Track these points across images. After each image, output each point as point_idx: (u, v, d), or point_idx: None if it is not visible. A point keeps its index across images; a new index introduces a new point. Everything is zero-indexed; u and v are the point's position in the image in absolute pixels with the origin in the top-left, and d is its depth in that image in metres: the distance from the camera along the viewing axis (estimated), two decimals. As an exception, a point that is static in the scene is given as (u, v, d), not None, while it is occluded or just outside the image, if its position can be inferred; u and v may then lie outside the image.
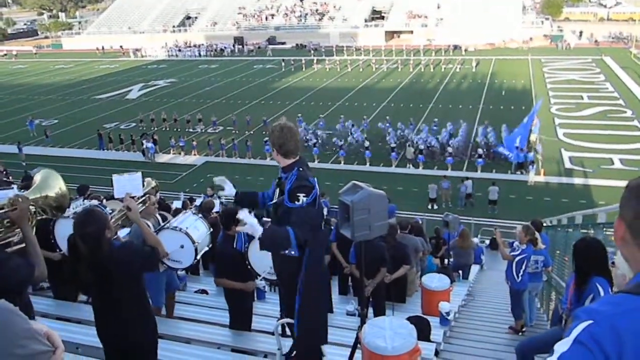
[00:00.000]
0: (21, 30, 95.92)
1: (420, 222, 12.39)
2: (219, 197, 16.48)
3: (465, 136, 25.87)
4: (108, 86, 45.09)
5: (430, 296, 6.90)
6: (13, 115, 36.09)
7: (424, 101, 34.58)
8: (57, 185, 3.23)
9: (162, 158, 26.86)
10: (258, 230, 3.43)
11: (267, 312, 6.21)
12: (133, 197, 3.96)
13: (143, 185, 4.46)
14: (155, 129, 30.47)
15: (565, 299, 4.23)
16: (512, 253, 6.96)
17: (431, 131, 26.49)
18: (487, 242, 15.93)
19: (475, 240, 13.88)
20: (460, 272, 11.01)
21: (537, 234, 7.17)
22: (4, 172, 19.17)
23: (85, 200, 6.35)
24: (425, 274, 8.31)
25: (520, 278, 6.90)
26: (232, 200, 4.17)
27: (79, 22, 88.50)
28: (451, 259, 11.30)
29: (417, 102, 34.25)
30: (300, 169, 3.65)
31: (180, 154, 27.14)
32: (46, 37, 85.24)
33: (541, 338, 4.99)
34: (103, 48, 65.60)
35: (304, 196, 3.54)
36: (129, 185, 4.26)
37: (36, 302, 6.16)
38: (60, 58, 63.77)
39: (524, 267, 6.89)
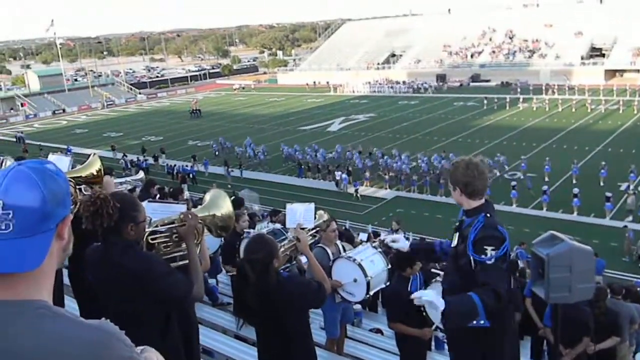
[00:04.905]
0: (245, 67, 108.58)
1: (638, 287, 10.50)
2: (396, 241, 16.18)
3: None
4: (313, 118, 48.13)
5: (649, 381, 5.63)
6: (229, 142, 40.27)
7: (651, 146, 30.25)
8: (225, 206, 3.21)
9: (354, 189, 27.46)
10: (440, 305, 2.86)
11: (444, 365, 5.63)
12: (303, 229, 3.81)
13: (315, 218, 4.32)
14: (349, 160, 31.38)
15: None
16: None
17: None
18: None
19: None
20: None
21: None
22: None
23: (270, 224, 6.56)
24: (641, 350, 6.92)
25: None
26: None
27: (294, 60, 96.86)
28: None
29: (642, 148, 30.13)
30: (488, 215, 3.08)
31: (371, 186, 27.52)
32: (264, 73, 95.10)
33: None
34: (314, 83, 70.51)
35: (492, 249, 2.94)
36: (301, 216, 4.16)
37: (218, 317, 6.44)
38: (275, 92, 70.19)
39: None
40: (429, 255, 3.69)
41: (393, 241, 3.86)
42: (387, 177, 27.54)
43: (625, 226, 19.13)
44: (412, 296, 2.96)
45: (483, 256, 2.95)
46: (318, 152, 32.26)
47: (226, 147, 37.34)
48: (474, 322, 2.94)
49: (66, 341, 1.12)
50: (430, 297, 2.87)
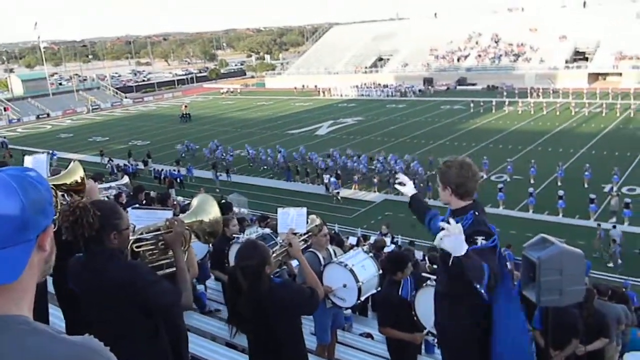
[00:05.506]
0: (232, 70, 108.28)
1: (625, 288, 10.60)
2: (389, 233, 16.17)
3: None
4: (301, 122, 48.03)
5: (636, 381, 5.66)
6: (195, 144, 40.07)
7: (633, 149, 30.57)
8: (212, 211, 3.14)
9: (344, 193, 27.40)
10: (461, 248, 2.70)
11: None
12: (295, 234, 3.77)
13: (307, 222, 4.28)
14: (339, 164, 31.34)
15: None
16: None
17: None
18: None
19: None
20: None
21: None
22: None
23: (259, 229, 6.49)
24: (628, 350, 6.95)
25: None
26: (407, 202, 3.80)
27: (281, 64, 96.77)
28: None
29: (623, 151, 30.46)
30: (476, 213, 3.06)
31: (360, 190, 27.53)
32: (252, 77, 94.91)
33: None
34: (302, 87, 70.46)
35: (482, 239, 2.91)
36: (293, 220, 4.11)
37: (207, 324, 6.36)
38: (262, 96, 70.04)
39: None
40: (422, 216, 3.68)
41: (401, 183, 3.86)
42: (375, 180, 27.56)
43: (599, 224, 19.24)
44: (442, 224, 2.76)
45: (474, 245, 2.88)
46: (280, 154, 32.72)
47: (192, 149, 37.70)
48: (476, 285, 2.81)
49: (49, 359, 1.06)
50: (458, 237, 2.70)
